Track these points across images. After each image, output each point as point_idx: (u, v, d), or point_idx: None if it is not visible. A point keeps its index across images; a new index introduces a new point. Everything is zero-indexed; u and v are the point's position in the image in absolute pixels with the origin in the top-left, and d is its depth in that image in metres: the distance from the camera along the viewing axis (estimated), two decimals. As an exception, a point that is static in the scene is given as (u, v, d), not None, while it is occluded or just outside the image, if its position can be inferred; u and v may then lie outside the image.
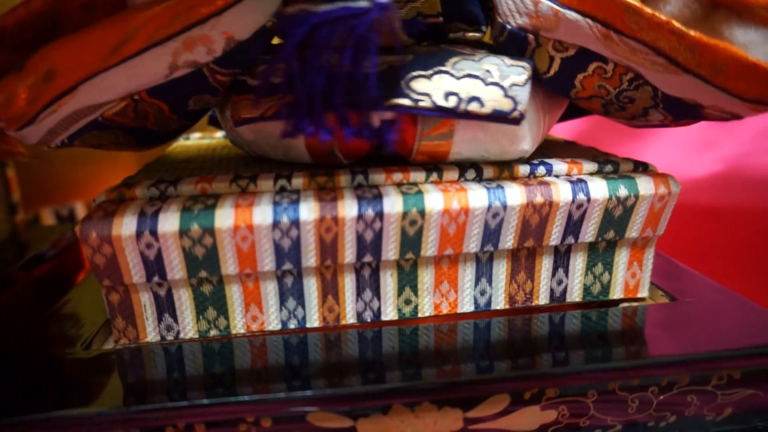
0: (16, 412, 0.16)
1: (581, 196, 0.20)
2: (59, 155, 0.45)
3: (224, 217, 0.18)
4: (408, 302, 0.21)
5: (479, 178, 0.21)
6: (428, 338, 0.20)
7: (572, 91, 0.20)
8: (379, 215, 0.19)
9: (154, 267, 0.19)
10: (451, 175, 0.21)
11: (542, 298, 0.22)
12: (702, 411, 0.20)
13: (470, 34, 0.22)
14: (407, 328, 0.21)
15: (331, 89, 0.16)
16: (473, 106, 0.18)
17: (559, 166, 0.22)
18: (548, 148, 0.26)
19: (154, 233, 0.18)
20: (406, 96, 0.18)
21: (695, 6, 0.18)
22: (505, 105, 0.18)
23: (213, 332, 0.20)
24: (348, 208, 0.19)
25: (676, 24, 0.16)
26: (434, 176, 0.21)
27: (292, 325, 0.21)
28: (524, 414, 0.19)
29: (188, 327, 0.20)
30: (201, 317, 0.20)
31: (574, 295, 0.23)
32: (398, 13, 0.16)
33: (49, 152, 0.33)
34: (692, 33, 0.16)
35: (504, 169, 0.21)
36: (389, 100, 0.18)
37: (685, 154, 0.51)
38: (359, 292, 0.21)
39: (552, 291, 0.22)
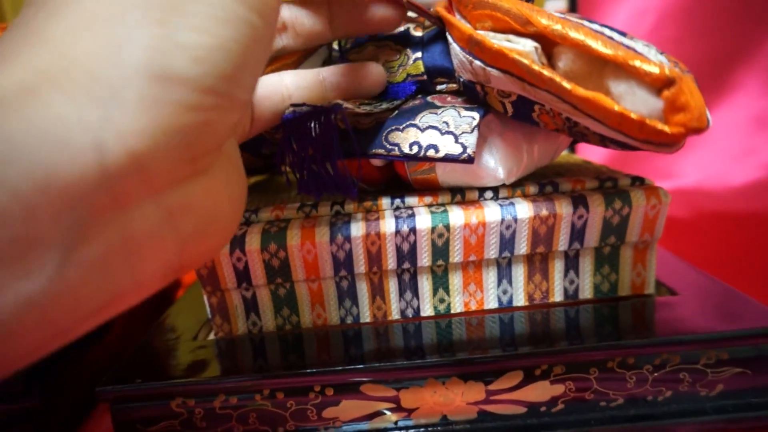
0: (148, 379, 0.22)
1: (581, 209, 0.24)
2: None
3: (293, 236, 0.24)
4: (442, 301, 0.26)
5: (496, 197, 0.26)
6: (461, 329, 0.25)
7: (541, 125, 0.23)
8: (413, 230, 0.24)
9: (243, 275, 0.25)
10: (472, 195, 0.25)
11: (557, 296, 0.27)
12: (695, 387, 0.23)
13: (450, 85, 0.26)
14: (442, 321, 0.25)
15: (312, 159, 0.23)
16: (431, 152, 0.23)
17: (565, 184, 0.26)
18: (565, 168, 0.30)
19: (243, 250, 0.24)
20: (383, 146, 0.24)
21: (580, 62, 0.20)
22: (456, 149, 0.23)
23: (287, 327, 0.26)
24: (388, 225, 0.24)
25: (558, 79, 0.18)
26: (458, 197, 0.25)
27: (349, 320, 0.26)
28: (536, 387, 0.23)
29: (268, 322, 0.26)
30: (278, 315, 0.26)
31: (586, 292, 0.27)
32: (345, 109, 0.22)
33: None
34: (569, 87, 0.18)
35: (517, 189, 0.26)
36: (372, 150, 0.24)
37: (726, 163, 0.52)
38: (401, 293, 0.26)
39: (566, 289, 0.26)
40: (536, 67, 0.19)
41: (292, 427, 0.23)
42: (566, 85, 0.18)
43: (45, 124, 0.11)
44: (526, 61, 0.19)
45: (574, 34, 0.19)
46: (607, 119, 0.18)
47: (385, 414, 0.23)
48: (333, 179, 0.24)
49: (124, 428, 0.23)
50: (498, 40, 0.20)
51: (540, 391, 0.23)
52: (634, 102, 0.18)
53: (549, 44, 0.20)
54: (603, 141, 0.22)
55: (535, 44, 0.20)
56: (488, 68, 0.21)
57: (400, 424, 0.23)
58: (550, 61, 0.21)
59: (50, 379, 0.26)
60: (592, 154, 0.57)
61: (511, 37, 0.21)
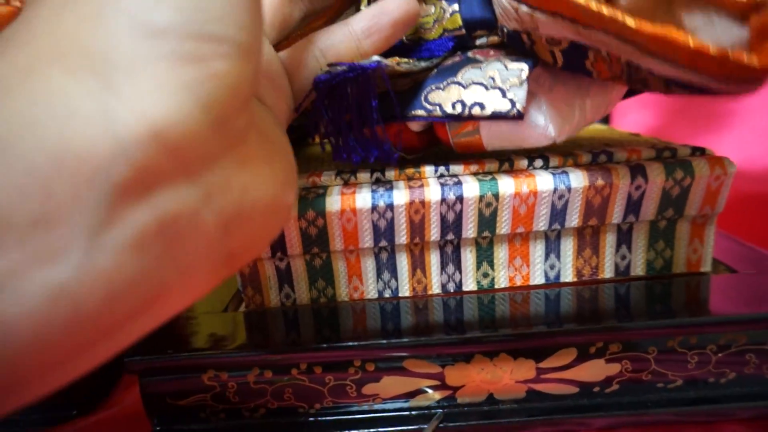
0: (177, 351, 0.21)
1: (639, 179, 0.23)
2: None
3: (333, 203, 0.23)
4: (486, 275, 0.25)
5: (546, 166, 0.24)
6: (504, 305, 0.23)
7: (593, 74, 0.21)
8: (460, 198, 0.22)
9: (278, 244, 0.23)
10: (521, 164, 0.24)
11: (608, 272, 0.25)
12: (761, 369, 0.21)
13: (491, 38, 0.24)
14: (485, 296, 0.24)
15: (349, 126, 0.22)
16: (476, 110, 0.21)
17: (620, 153, 0.24)
18: (614, 141, 0.28)
19: (278, 216, 0.23)
20: (423, 107, 0.22)
21: None
22: (504, 105, 0.21)
23: (322, 299, 0.25)
24: (433, 193, 0.22)
25: (620, 17, 0.16)
26: (506, 165, 0.24)
27: (387, 294, 0.25)
28: (590, 366, 0.21)
29: (303, 295, 0.25)
30: (313, 287, 0.25)
31: (638, 269, 0.25)
32: (385, 66, 0.21)
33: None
34: (634, 24, 0.16)
35: (569, 158, 0.24)
36: (411, 112, 0.22)
37: (764, 144, 0.50)
38: (443, 266, 0.24)
39: (617, 265, 0.25)
40: (593, 5, 0.17)
41: (329, 403, 0.22)
42: (630, 22, 0.16)
43: (48, 96, 0.11)
44: (581, 0, 0.17)
45: None
46: (680, 57, 0.16)
47: (427, 392, 0.22)
48: (371, 144, 0.22)
49: (153, 401, 0.22)
50: None
51: (594, 371, 0.21)
52: (712, 34, 0.16)
53: None
54: (668, 86, 0.19)
55: None
56: (536, 13, 0.19)
57: (443, 402, 0.22)
58: None
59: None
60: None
61: None
